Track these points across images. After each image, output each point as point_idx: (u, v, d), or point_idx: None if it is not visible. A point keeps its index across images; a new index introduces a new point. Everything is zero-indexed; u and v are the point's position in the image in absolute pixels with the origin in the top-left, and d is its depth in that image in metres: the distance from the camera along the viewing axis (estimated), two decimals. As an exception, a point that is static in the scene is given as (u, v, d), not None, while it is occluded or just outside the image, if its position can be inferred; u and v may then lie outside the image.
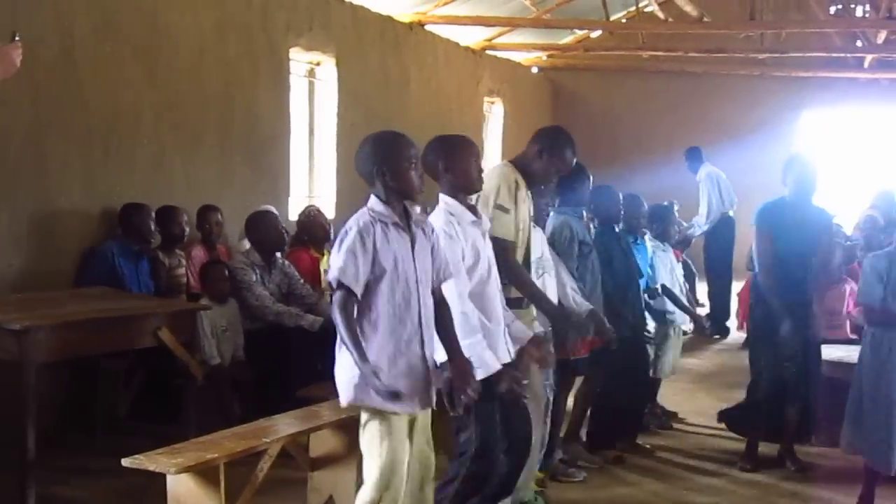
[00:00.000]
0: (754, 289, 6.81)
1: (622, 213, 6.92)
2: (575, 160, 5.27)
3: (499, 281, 4.47)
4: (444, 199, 4.35)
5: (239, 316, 6.59)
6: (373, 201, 3.89)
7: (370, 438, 3.84)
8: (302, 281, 6.98)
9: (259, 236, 6.88)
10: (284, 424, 4.92)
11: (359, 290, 3.75)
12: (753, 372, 6.60)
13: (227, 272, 6.59)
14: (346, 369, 3.81)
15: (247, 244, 7.12)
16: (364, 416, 3.86)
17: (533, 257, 5.36)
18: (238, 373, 6.48)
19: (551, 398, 5.83)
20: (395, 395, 3.68)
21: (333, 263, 3.79)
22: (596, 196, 6.66)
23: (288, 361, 6.43)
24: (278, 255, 6.94)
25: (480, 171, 4.46)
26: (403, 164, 3.90)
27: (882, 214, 9.44)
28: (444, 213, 4.30)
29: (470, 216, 4.35)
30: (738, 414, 6.70)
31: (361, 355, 3.68)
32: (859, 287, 5.80)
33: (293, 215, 8.43)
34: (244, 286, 6.61)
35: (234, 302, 6.58)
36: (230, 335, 6.50)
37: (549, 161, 5.08)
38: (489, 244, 4.46)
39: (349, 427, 4.79)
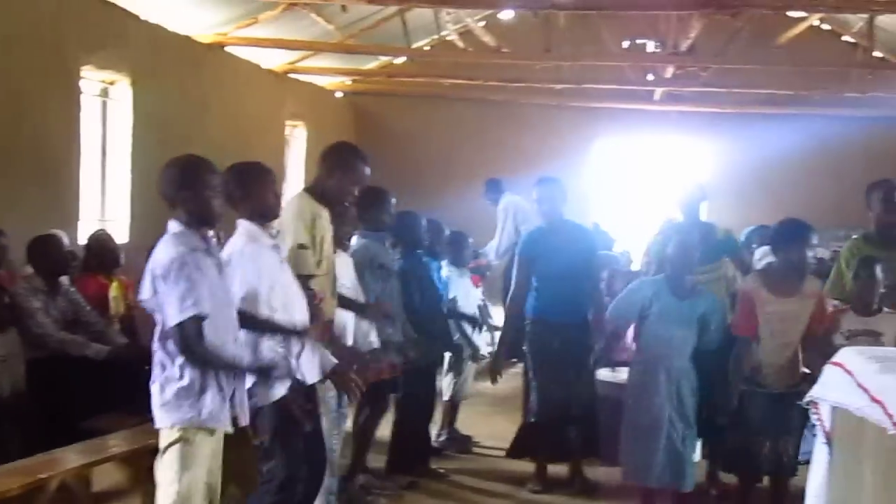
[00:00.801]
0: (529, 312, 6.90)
1: (425, 238, 7.02)
2: (368, 173, 5.27)
3: (298, 307, 4.46)
4: (242, 223, 4.36)
5: (19, 344, 6.26)
6: (175, 227, 3.84)
7: (169, 464, 3.81)
8: (89, 308, 6.69)
9: (42, 261, 6.56)
10: (66, 458, 4.74)
11: (207, 309, 3.75)
12: (529, 393, 6.75)
13: (6, 299, 6.27)
14: (166, 391, 3.80)
15: (30, 269, 6.80)
16: (165, 442, 3.82)
17: (339, 282, 5.39)
18: (18, 404, 6.14)
19: (343, 426, 5.83)
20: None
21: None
22: (399, 221, 6.72)
23: (72, 392, 6.13)
24: (64, 280, 6.64)
25: (278, 197, 4.48)
26: (207, 192, 3.89)
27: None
28: (243, 237, 4.32)
29: (269, 241, 4.38)
30: (521, 437, 6.82)
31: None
32: (613, 304, 6.04)
33: (84, 239, 8.11)
34: (26, 313, 6.29)
35: (14, 330, 6.25)
36: (9, 365, 6.15)
37: (342, 178, 5.09)
38: (287, 269, 4.46)
39: (135, 459, 4.65)
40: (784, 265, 5.81)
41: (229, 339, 3.95)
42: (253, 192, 4.39)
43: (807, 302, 5.71)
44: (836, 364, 3.34)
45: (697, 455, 7.02)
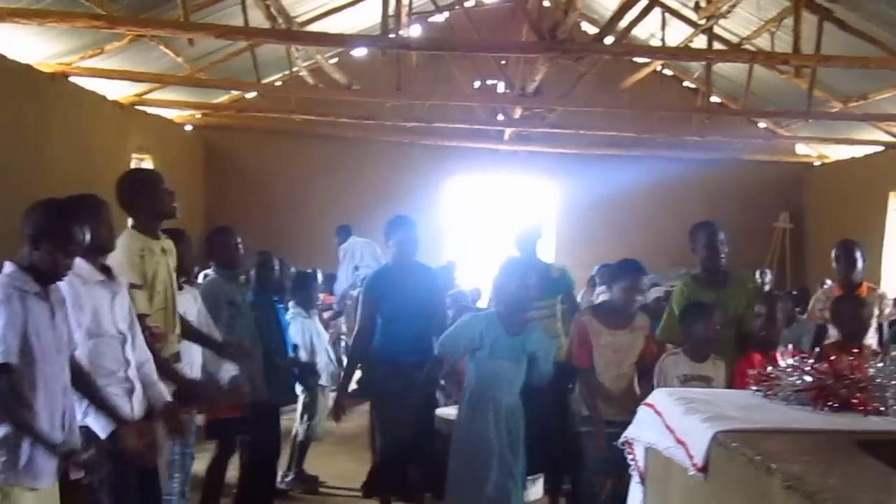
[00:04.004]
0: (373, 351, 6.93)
1: (277, 277, 7.03)
2: (174, 203, 5.22)
3: (131, 342, 4.39)
4: (77, 260, 4.24)
5: None
6: (9, 269, 3.74)
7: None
8: None
9: None
10: None
11: (14, 361, 3.61)
12: (375, 432, 6.77)
13: None
14: None
15: None
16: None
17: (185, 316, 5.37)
18: None
19: (191, 467, 5.75)
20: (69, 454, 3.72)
21: None
22: (258, 261, 6.76)
23: None
24: None
25: (111, 230, 4.41)
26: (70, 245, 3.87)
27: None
28: (70, 274, 4.19)
29: (98, 276, 4.27)
30: (371, 476, 6.84)
31: (28, 429, 3.63)
32: (446, 334, 6.12)
33: None
34: None
35: None
36: None
37: (144, 206, 5.05)
38: (119, 304, 4.38)
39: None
40: (616, 300, 6.02)
41: (57, 389, 3.81)
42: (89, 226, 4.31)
43: (637, 334, 5.97)
44: (648, 405, 3.46)
45: (539, 491, 7.16)
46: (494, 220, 17.34)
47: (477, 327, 5.97)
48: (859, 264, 7.27)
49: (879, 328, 7.21)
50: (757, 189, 17.37)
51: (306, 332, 7.83)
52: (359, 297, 7.16)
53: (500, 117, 15.88)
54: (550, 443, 6.34)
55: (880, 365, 3.11)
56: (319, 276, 9.79)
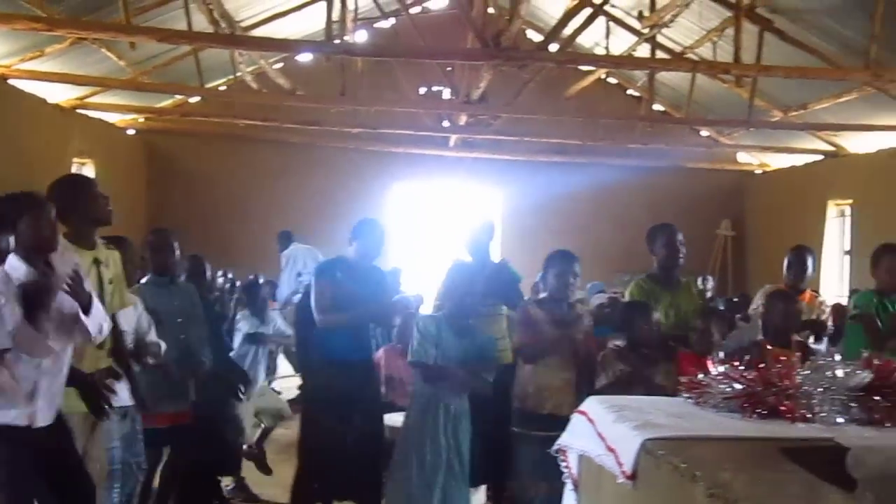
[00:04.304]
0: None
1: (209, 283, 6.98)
2: (108, 207, 5.15)
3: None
4: (11, 259, 4.18)
5: None
6: None
7: None
8: None
9: None
10: None
11: None
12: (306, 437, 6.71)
13: None
14: None
15: None
16: None
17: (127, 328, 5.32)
18: None
19: (141, 478, 5.69)
20: None
21: None
22: (192, 265, 6.70)
23: None
24: None
25: (53, 228, 4.35)
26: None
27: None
28: (2, 273, 4.14)
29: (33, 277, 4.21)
30: (301, 483, 6.74)
31: None
32: (412, 348, 6.09)
33: None
34: None
35: None
36: None
37: (77, 212, 4.96)
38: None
39: None
40: (552, 288, 6.12)
41: None
42: (24, 225, 4.25)
43: (577, 328, 6.00)
44: (580, 412, 3.48)
45: (482, 498, 7.16)
46: (440, 227, 17.35)
47: (431, 329, 5.98)
48: (809, 271, 7.40)
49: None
50: (699, 196, 17.55)
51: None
52: (299, 304, 7.11)
53: (446, 123, 15.91)
54: (494, 448, 6.34)
55: (807, 372, 3.15)
56: (261, 281, 9.78)
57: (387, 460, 6.32)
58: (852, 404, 3.09)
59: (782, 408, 3.11)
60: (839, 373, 3.13)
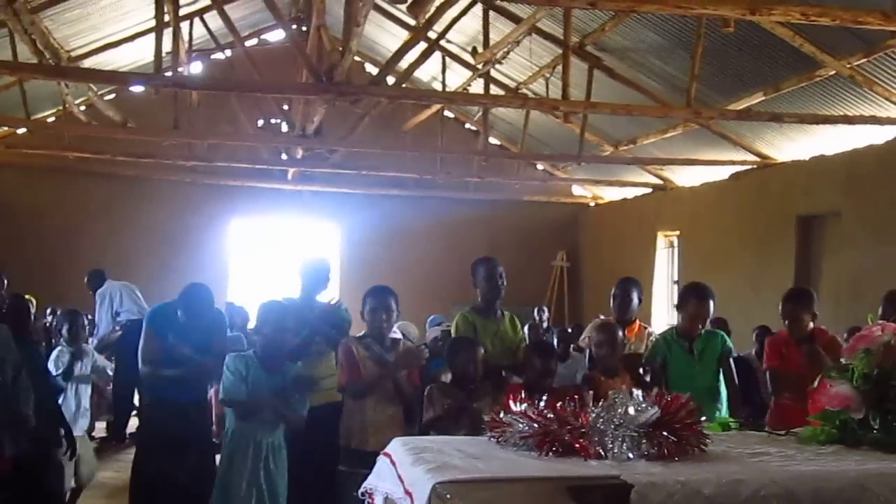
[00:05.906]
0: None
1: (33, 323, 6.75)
2: None
3: None
4: None
5: None
6: None
7: None
8: None
9: None
10: None
11: None
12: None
13: None
14: None
15: None
16: None
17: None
18: None
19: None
20: None
21: None
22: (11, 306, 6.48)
23: None
24: None
25: None
26: None
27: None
28: None
29: None
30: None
31: None
32: (223, 385, 6.04)
33: None
34: None
35: None
36: None
37: None
38: None
39: None
40: (368, 323, 6.13)
41: None
42: None
43: (398, 362, 6.03)
44: (385, 454, 3.46)
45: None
46: (278, 262, 17.19)
47: (241, 368, 5.93)
48: (634, 303, 7.58)
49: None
50: (536, 229, 17.92)
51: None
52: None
53: (284, 157, 15.81)
54: (317, 484, 6.28)
55: (599, 410, 3.21)
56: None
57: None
58: (643, 441, 3.16)
59: (577, 445, 3.16)
60: (630, 410, 3.20)
